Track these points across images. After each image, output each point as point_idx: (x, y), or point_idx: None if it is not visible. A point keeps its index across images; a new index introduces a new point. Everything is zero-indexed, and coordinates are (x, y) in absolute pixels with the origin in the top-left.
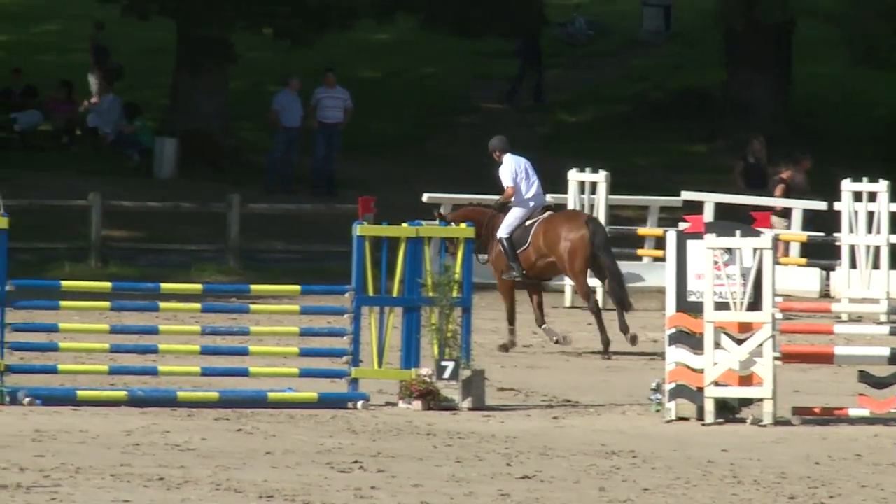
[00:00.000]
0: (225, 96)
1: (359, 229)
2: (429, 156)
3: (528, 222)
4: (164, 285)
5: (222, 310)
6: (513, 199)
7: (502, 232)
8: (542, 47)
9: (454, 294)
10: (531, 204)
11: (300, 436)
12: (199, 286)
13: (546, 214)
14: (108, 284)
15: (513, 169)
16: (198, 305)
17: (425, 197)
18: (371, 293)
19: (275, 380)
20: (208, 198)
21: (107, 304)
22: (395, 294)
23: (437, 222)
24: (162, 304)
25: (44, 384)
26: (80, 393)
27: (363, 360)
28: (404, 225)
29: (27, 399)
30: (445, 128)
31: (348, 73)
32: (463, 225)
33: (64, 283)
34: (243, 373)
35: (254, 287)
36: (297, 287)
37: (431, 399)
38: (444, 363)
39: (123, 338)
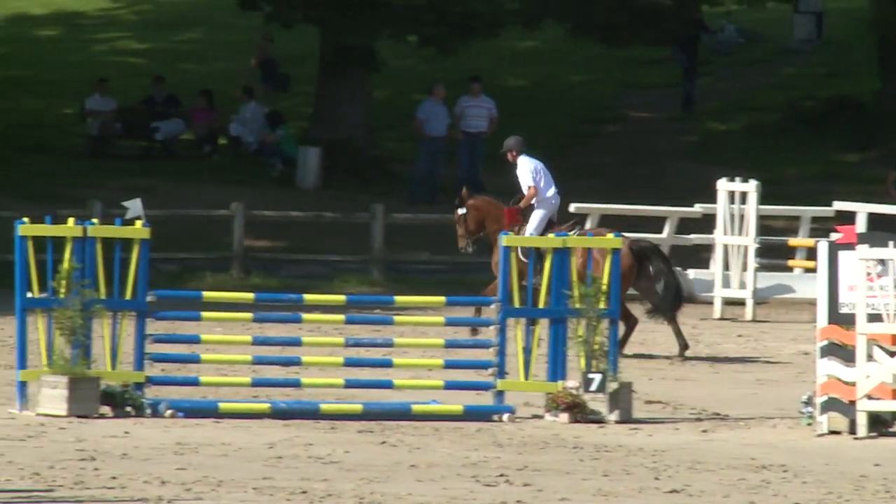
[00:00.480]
0: (369, 105)
1: (504, 240)
2: (576, 165)
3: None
4: (307, 296)
5: (366, 321)
6: (535, 199)
7: (531, 232)
8: (698, 55)
9: (601, 305)
10: (553, 202)
11: (445, 449)
12: (342, 297)
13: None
14: (250, 295)
15: (532, 169)
16: (341, 317)
17: (572, 207)
18: (517, 304)
19: (419, 392)
20: (351, 208)
21: (249, 315)
22: (541, 305)
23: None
24: (305, 316)
25: (185, 396)
26: (222, 405)
27: (509, 371)
28: (551, 235)
29: (169, 411)
30: (592, 137)
31: (494, 82)
32: (610, 235)
33: (206, 294)
34: (387, 385)
35: (398, 298)
36: (442, 298)
37: (578, 412)
38: (590, 375)
39: (266, 349)
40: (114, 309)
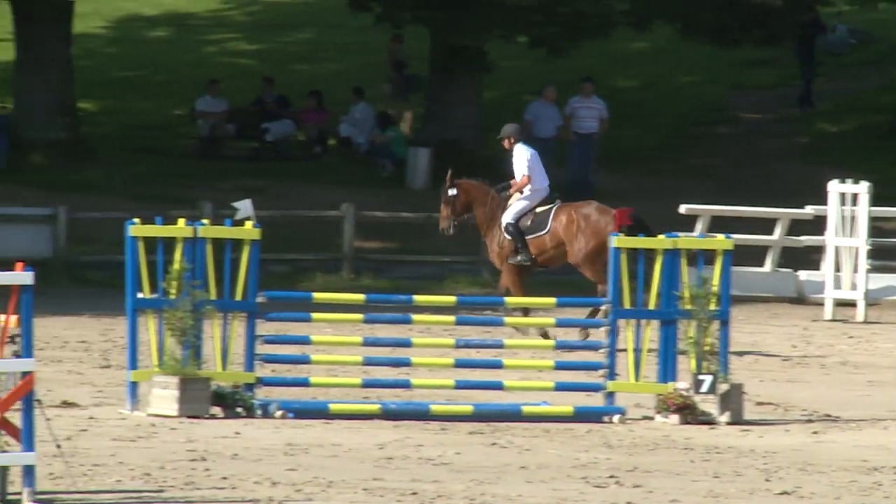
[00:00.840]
0: (479, 106)
1: (615, 241)
2: (686, 166)
3: (538, 209)
4: (417, 297)
5: (476, 322)
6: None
7: (508, 217)
8: (815, 56)
9: (712, 307)
10: (540, 194)
11: (555, 450)
12: (452, 298)
13: (558, 203)
14: (360, 296)
15: (528, 157)
16: (451, 318)
17: (683, 209)
18: (627, 306)
19: (529, 393)
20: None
21: (359, 316)
22: (651, 307)
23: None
24: (415, 317)
25: (295, 397)
26: (332, 406)
27: (619, 373)
28: (661, 237)
29: (279, 412)
30: (703, 138)
31: (605, 83)
32: (721, 237)
33: (316, 295)
34: (497, 386)
35: (508, 299)
36: (553, 299)
37: (689, 413)
38: (701, 377)
39: (376, 350)
40: (224, 310)
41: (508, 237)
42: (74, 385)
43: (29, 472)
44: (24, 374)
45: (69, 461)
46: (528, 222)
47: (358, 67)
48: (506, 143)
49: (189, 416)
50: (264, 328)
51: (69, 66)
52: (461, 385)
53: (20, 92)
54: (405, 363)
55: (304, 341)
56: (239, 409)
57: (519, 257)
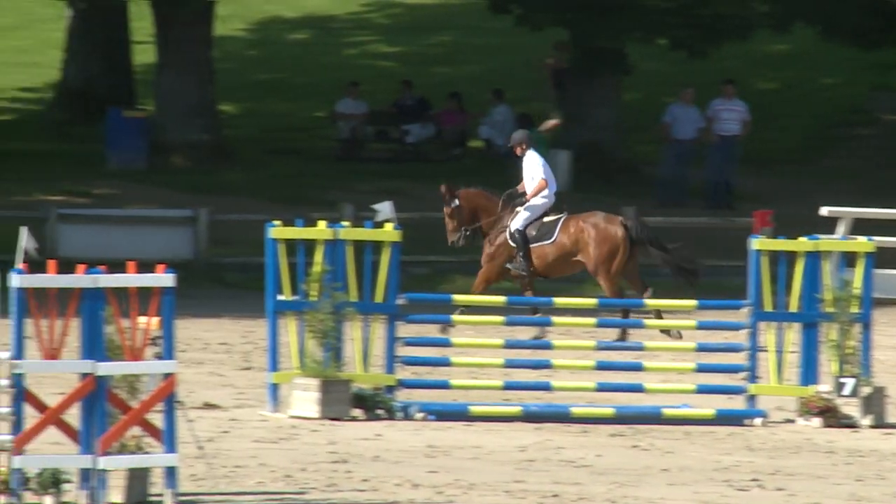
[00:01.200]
0: (619, 108)
1: (755, 243)
2: (827, 169)
3: (546, 218)
4: (557, 300)
5: (616, 325)
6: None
7: (518, 224)
8: None
9: (854, 309)
10: (551, 201)
11: (696, 453)
12: (593, 301)
13: (566, 214)
14: (501, 298)
15: (542, 163)
16: (592, 320)
17: (824, 211)
18: (769, 308)
19: (670, 396)
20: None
21: (500, 318)
22: (792, 309)
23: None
24: (556, 319)
25: (436, 399)
26: (472, 408)
27: (761, 376)
28: (802, 239)
29: (420, 414)
30: (843, 140)
31: (745, 85)
32: (863, 240)
33: (455, 297)
34: (638, 389)
35: (648, 302)
36: (693, 302)
37: (831, 416)
38: (843, 380)
39: (517, 353)
40: (364, 312)
41: (513, 244)
42: (216, 387)
43: (171, 473)
44: (166, 375)
45: (211, 463)
46: (534, 231)
47: (498, 69)
48: (518, 150)
49: (330, 418)
50: (405, 330)
51: (210, 69)
52: (602, 387)
53: (161, 94)
54: (546, 365)
55: (445, 343)
56: (379, 412)
57: (516, 265)
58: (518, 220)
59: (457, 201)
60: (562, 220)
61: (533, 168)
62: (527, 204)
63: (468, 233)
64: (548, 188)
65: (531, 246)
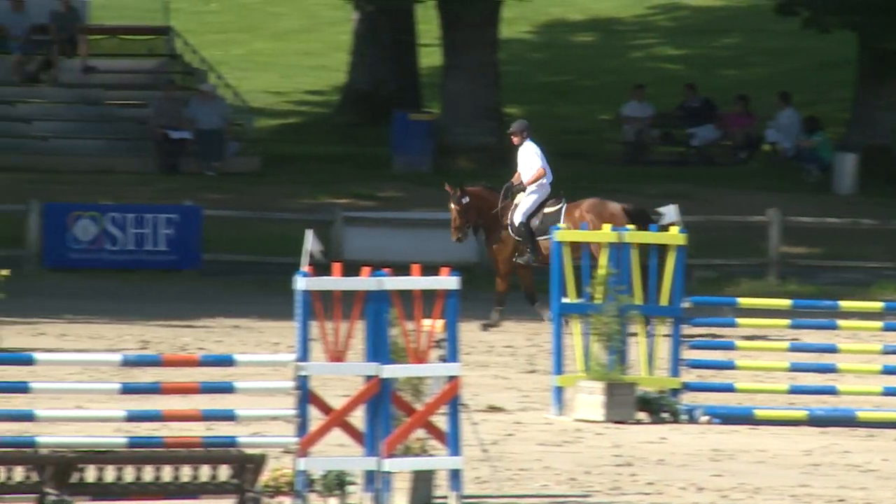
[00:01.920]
0: None
1: None
2: None
3: (547, 210)
4: (842, 303)
5: None
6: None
7: (519, 217)
8: None
9: None
10: (547, 189)
11: None
12: (879, 304)
13: (563, 203)
14: (786, 302)
15: (539, 153)
16: (879, 324)
17: None
18: None
19: None
20: (889, 214)
21: (785, 321)
22: None
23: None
24: (841, 322)
25: (721, 402)
26: (757, 412)
27: None
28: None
29: (704, 417)
30: None
31: None
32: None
33: (741, 300)
34: None
35: None
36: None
37: None
38: None
39: (802, 356)
40: (649, 315)
41: (518, 238)
42: (500, 390)
43: (455, 475)
44: (450, 378)
45: (495, 465)
46: (538, 222)
47: (785, 72)
48: (515, 139)
49: (615, 422)
50: (691, 333)
51: (496, 72)
52: (889, 392)
53: (447, 97)
54: (831, 369)
55: (729, 347)
56: (664, 415)
57: (526, 258)
58: (518, 212)
59: (467, 199)
60: (563, 209)
61: (530, 157)
62: (526, 191)
63: (470, 228)
64: (545, 177)
65: (538, 239)
